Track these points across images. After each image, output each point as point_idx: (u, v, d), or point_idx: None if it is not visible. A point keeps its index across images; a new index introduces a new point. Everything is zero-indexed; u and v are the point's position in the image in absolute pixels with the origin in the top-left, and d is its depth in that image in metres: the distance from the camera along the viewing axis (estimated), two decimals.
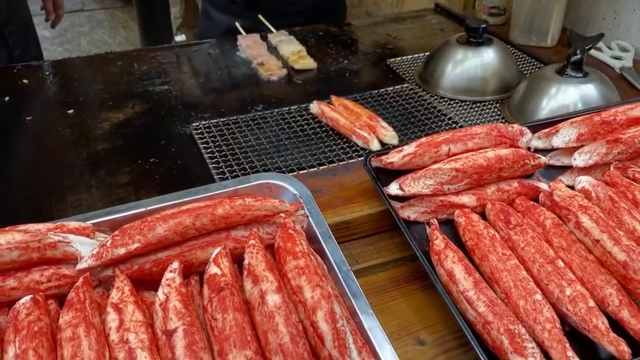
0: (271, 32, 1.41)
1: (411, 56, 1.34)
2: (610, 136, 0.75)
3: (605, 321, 0.58)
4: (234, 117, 1.09)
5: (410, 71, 1.28)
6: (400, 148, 0.75)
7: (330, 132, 1.05)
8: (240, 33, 1.39)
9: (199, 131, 1.05)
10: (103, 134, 1.05)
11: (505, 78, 1.18)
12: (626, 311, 0.59)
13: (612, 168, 0.75)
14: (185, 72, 1.28)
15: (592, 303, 0.59)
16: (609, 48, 1.33)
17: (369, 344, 0.54)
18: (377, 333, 0.54)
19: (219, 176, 0.92)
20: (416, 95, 1.18)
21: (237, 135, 1.04)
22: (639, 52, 1.31)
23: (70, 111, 1.12)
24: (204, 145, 1.01)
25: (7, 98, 1.15)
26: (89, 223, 0.61)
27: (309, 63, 1.27)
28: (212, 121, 1.08)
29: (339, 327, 0.52)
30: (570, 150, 0.77)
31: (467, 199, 0.71)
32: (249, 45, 1.34)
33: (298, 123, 1.08)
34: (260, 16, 1.44)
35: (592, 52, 1.30)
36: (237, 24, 1.42)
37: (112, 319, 0.53)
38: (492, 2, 1.47)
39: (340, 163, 0.93)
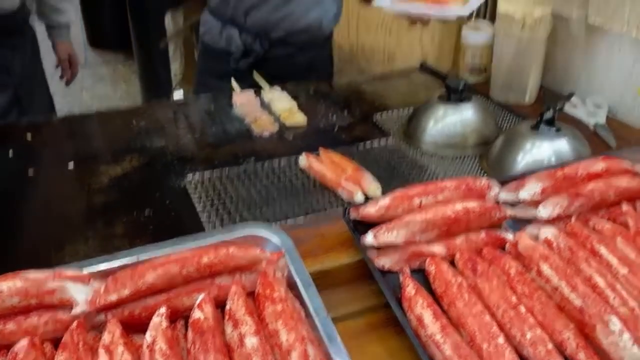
0: (263, 88, 1.48)
1: (397, 112, 1.41)
2: (572, 190, 0.81)
3: None
4: (227, 170, 1.15)
5: (395, 127, 1.35)
6: (375, 200, 0.80)
7: (318, 185, 1.11)
8: (235, 90, 1.47)
9: (192, 184, 1.11)
10: (101, 187, 1.11)
11: (484, 133, 1.25)
12: (582, 354, 0.63)
13: (573, 220, 0.81)
14: (182, 127, 1.35)
15: (550, 346, 0.63)
16: (584, 104, 1.41)
17: None
18: None
19: (210, 229, 0.98)
20: (400, 149, 1.24)
21: (228, 188, 1.10)
22: (612, 108, 1.38)
23: (71, 165, 1.18)
24: (196, 197, 1.07)
25: (11, 152, 1.22)
26: (85, 271, 0.66)
27: (299, 119, 1.35)
28: (205, 174, 1.14)
29: None
30: (535, 203, 0.83)
31: (437, 248, 0.77)
32: (243, 102, 1.41)
33: (287, 176, 1.14)
34: (255, 74, 1.52)
35: (568, 109, 1.38)
36: (232, 80, 1.50)
37: None
38: (473, 62, 1.56)
39: (323, 214, 0.99)
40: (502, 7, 1.39)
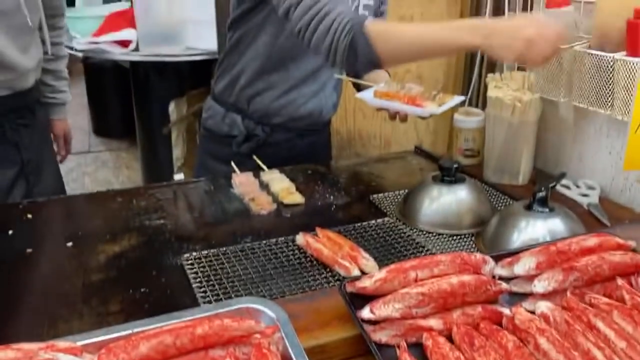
0: (263, 170, 1.52)
1: (393, 193, 1.43)
2: (566, 264, 0.82)
3: None
4: (224, 249, 1.16)
5: (391, 206, 1.37)
6: (371, 274, 0.81)
7: (315, 262, 1.11)
8: (235, 171, 1.50)
9: (189, 262, 1.11)
10: (98, 265, 1.12)
11: (479, 213, 1.27)
12: None
13: (569, 294, 0.81)
14: (181, 207, 1.37)
15: None
16: (577, 186, 1.43)
17: None
18: None
19: (205, 305, 0.97)
20: (396, 228, 1.26)
21: (225, 266, 1.10)
22: (604, 189, 1.41)
23: (70, 244, 1.19)
24: (193, 276, 1.07)
25: (10, 232, 1.23)
26: (78, 343, 0.66)
27: (297, 198, 1.37)
28: (202, 253, 1.14)
29: None
30: (530, 278, 0.83)
31: (434, 322, 0.76)
32: (242, 182, 1.44)
33: (284, 254, 1.14)
34: (255, 157, 1.56)
35: (561, 190, 1.40)
36: (232, 162, 1.53)
37: None
38: (466, 145, 1.60)
39: (319, 289, 0.98)
40: (492, 92, 1.45)
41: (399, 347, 0.74)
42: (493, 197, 1.42)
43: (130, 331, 0.68)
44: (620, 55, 1.20)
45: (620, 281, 0.83)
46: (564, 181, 1.41)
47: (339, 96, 1.72)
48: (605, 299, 0.80)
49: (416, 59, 1.48)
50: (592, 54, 1.27)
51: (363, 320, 0.76)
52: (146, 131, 2.90)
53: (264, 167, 1.53)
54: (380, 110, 1.42)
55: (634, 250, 0.90)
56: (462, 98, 1.36)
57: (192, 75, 2.69)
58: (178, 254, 1.14)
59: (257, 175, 1.49)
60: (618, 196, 1.38)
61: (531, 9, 1.59)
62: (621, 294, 0.81)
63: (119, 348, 0.62)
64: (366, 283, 0.79)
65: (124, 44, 2.60)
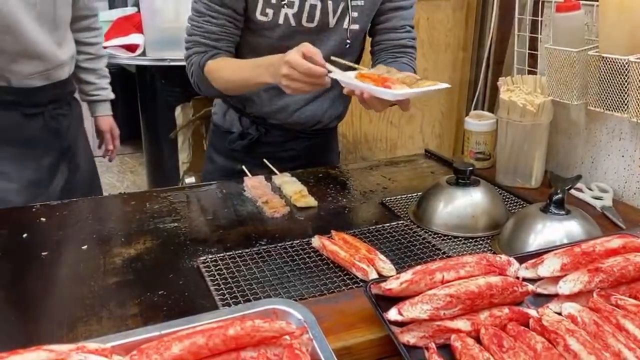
0: (274, 174, 1.51)
1: (405, 196, 1.43)
2: (591, 265, 0.82)
3: None
4: (240, 251, 1.15)
5: (404, 209, 1.36)
6: (397, 275, 0.81)
7: (331, 265, 1.10)
8: (246, 174, 1.50)
9: (205, 265, 1.11)
10: (115, 268, 1.11)
11: (494, 216, 1.27)
12: None
13: (595, 295, 0.81)
14: (195, 210, 1.36)
15: None
16: (589, 189, 1.43)
17: None
18: None
19: (224, 307, 0.97)
20: (411, 231, 1.25)
21: (242, 268, 1.09)
22: (617, 192, 1.41)
23: (84, 247, 1.18)
24: (210, 278, 1.06)
25: (25, 235, 1.22)
26: (107, 345, 0.65)
27: (310, 201, 1.37)
28: (218, 255, 1.14)
29: None
30: (554, 280, 0.83)
31: (462, 323, 0.76)
32: (254, 185, 1.44)
33: (300, 256, 1.14)
34: (265, 160, 1.56)
35: (574, 193, 1.40)
36: (243, 167, 1.53)
37: None
38: (477, 148, 1.60)
39: (340, 292, 0.98)
40: (505, 95, 1.45)
41: (427, 348, 0.74)
42: (506, 200, 1.42)
43: (158, 332, 0.68)
44: (634, 58, 1.21)
45: None
46: (579, 185, 1.41)
47: (347, 106, 1.71)
48: (632, 300, 0.80)
49: (240, 91, 1.51)
50: (605, 57, 1.28)
51: (390, 322, 0.76)
52: (152, 136, 2.89)
53: (276, 170, 1.53)
54: (351, 93, 1.27)
55: None
56: (445, 85, 1.23)
57: None
58: (194, 257, 1.14)
59: (268, 179, 1.49)
60: (631, 199, 1.38)
61: (541, 14, 1.60)
62: None
63: (151, 349, 0.61)
64: (392, 285, 0.79)
65: (131, 48, 2.60)
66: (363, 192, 1.47)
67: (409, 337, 0.76)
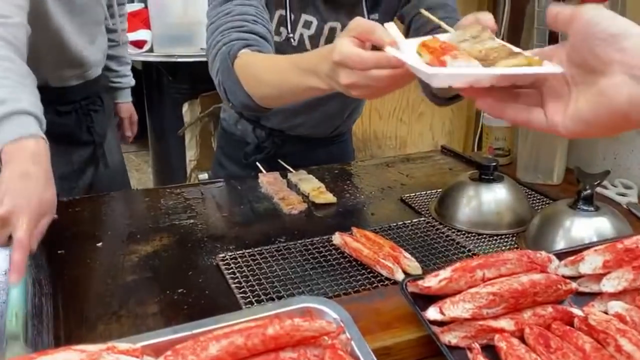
0: (290, 172, 1.48)
1: (425, 192, 1.40)
2: (636, 262, 0.78)
3: None
4: (259, 249, 1.12)
5: (425, 206, 1.33)
6: (436, 273, 0.77)
7: (354, 262, 1.07)
8: (261, 171, 1.47)
9: (225, 262, 1.07)
10: (132, 265, 1.08)
11: (519, 213, 1.23)
12: None
13: None
14: (210, 207, 1.33)
15: None
16: (613, 186, 1.40)
17: None
18: None
19: (247, 305, 0.93)
20: (434, 228, 1.22)
21: (262, 266, 1.06)
22: None
23: (100, 244, 1.15)
24: (230, 276, 1.03)
25: None
26: (137, 345, 0.62)
27: (329, 198, 1.33)
28: (237, 252, 1.10)
29: None
30: (596, 277, 0.80)
31: (505, 323, 0.73)
32: (270, 182, 1.41)
33: (321, 254, 1.10)
34: (280, 161, 1.52)
35: (598, 190, 1.37)
36: (257, 163, 1.50)
37: None
38: (497, 144, 1.57)
39: (373, 290, 0.95)
40: None
41: (470, 349, 0.71)
42: (528, 196, 1.39)
43: (189, 332, 0.65)
44: None
45: None
46: (605, 182, 1.38)
47: (361, 111, 1.67)
48: None
49: (283, 100, 1.11)
50: None
51: (430, 322, 0.73)
52: (158, 133, 2.86)
53: (290, 168, 1.49)
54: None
55: None
56: (558, 69, 0.67)
57: (206, 77, 2.66)
58: (212, 254, 1.10)
59: (283, 176, 1.46)
60: None
61: None
62: None
63: (187, 349, 0.58)
64: (431, 282, 0.76)
65: (139, 44, 2.57)
66: (381, 189, 1.44)
67: (450, 337, 0.72)
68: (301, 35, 1.32)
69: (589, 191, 1.11)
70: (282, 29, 1.31)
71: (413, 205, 1.34)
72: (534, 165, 1.46)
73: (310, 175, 1.45)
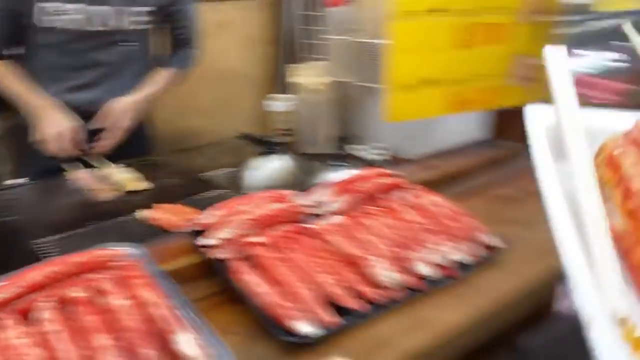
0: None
1: (227, 170, 1.68)
2: (351, 187, 1.12)
3: None
4: (72, 232, 1.26)
5: (226, 181, 1.60)
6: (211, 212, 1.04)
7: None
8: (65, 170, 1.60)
9: (41, 247, 1.19)
10: None
11: (298, 176, 1.55)
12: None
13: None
14: (26, 205, 1.47)
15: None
16: (372, 148, 1.77)
17: None
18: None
19: None
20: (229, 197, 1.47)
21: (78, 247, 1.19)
22: (392, 148, 1.75)
23: None
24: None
25: None
26: None
27: (142, 184, 1.53)
28: (53, 238, 1.22)
29: None
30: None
31: (260, 239, 1.01)
32: (80, 177, 1.55)
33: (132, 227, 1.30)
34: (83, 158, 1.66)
35: (356, 152, 1.73)
36: (62, 165, 1.62)
37: None
38: (283, 125, 1.87)
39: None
40: (298, 79, 1.75)
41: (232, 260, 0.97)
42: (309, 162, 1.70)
43: None
44: (378, 41, 1.56)
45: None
46: (361, 145, 1.75)
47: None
48: (376, 209, 1.12)
49: None
50: (360, 42, 1.63)
51: (205, 246, 0.99)
52: None
53: (97, 164, 1.64)
54: None
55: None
56: None
57: None
58: (30, 243, 1.21)
59: (93, 171, 1.60)
60: (404, 151, 1.73)
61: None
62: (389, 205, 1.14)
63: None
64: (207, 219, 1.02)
65: None
66: (187, 172, 1.66)
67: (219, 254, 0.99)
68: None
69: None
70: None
71: (213, 182, 1.59)
72: (311, 139, 1.80)
73: (120, 166, 1.61)
